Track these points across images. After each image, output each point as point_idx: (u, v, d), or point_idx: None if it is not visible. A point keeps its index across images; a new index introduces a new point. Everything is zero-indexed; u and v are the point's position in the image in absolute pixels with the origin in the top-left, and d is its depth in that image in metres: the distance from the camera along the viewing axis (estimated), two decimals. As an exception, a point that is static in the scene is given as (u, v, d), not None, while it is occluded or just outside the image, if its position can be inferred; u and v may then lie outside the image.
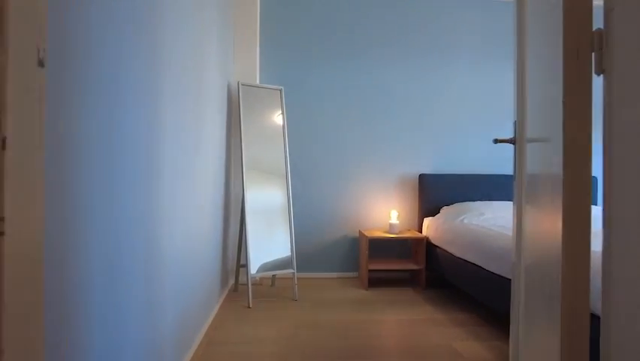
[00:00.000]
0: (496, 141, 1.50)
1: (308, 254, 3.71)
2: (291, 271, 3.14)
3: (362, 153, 3.73)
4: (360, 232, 3.61)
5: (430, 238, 3.37)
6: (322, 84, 3.71)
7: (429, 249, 3.38)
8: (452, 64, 3.80)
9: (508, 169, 3.83)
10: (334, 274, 3.73)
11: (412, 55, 3.77)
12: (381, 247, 3.73)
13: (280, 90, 3.36)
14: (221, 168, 2.95)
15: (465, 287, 2.75)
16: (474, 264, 2.61)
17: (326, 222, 3.72)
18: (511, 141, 1.47)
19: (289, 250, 3.21)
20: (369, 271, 3.38)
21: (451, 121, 3.80)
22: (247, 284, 2.93)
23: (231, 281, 3.37)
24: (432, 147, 3.79)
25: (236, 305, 2.94)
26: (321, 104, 3.70)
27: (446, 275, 3.08)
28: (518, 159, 1.40)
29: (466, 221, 3.07)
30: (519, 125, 1.39)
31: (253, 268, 3.01)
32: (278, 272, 3.14)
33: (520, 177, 1.38)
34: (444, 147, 3.80)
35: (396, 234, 3.47)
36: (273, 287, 3.41)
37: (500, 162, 3.85)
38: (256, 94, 3.29)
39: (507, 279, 2.24)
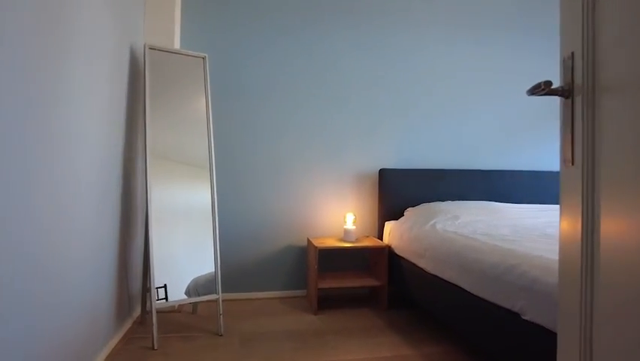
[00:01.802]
0: (533, 92, 0.82)
1: (242, 270, 2.96)
2: (215, 296, 2.38)
3: (310, 143, 3.03)
4: (308, 240, 2.91)
5: (394, 247, 2.73)
6: (262, 55, 2.97)
7: (392, 261, 2.74)
8: (424, 38, 3.19)
9: (482, 163, 3.29)
10: (276, 294, 3.00)
11: (372, 25, 3.12)
12: (334, 258, 3.05)
13: (203, 59, 2.58)
14: (117, 159, 2.13)
15: (439, 314, 2.12)
16: (454, 285, 1.99)
17: (265, 229, 2.98)
18: (564, 93, 0.80)
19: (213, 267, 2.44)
20: (319, 289, 2.69)
21: (417, 107, 3.19)
22: (151, 316, 2.14)
23: (138, 310, 2.55)
24: (394, 138, 3.16)
25: (136, 346, 2.13)
26: (258, 81, 2.96)
27: (414, 295, 2.45)
28: (583, 123, 0.74)
29: (439, 227, 2.45)
30: (585, 62, 0.73)
31: (165, 292, 2.23)
32: (195, 299, 2.36)
33: (586, 154, 0.72)
34: (408, 137, 3.18)
35: (353, 242, 2.80)
36: (194, 315, 2.62)
37: (473, 155, 3.29)
38: (171, 62, 2.49)
39: (505, 309, 1.62)
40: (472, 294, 1.84)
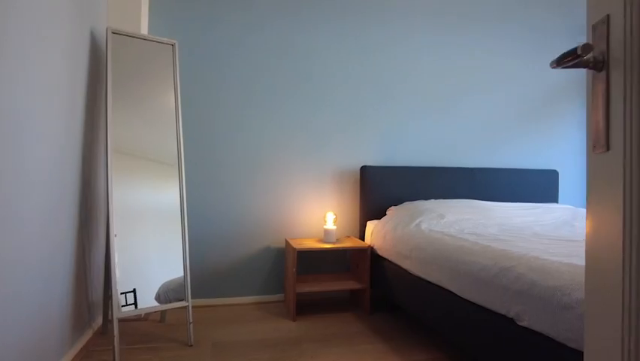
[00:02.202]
0: (559, 63, 0.68)
1: (215, 274, 2.77)
2: (184, 303, 2.19)
3: (288, 138, 2.87)
4: (286, 241, 2.74)
5: (377, 247, 2.60)
6: (238, 44, 2.78)
7: (375, 262, 2.61)
8: (408, 32, 3.07)
9: (465, 161, 3.19)
10: (252, 299, 2.83)
11: (355, 18, 2.98)
12: (313, 260, 2.89)
13: (173, 46, 2.38)
14: (74, 154, 1.92)
15: (427, 319, 1.99)
16: (442, 288, 1.86)
17: (240, 230, 2.80)
18: (596, 65, 0.66)
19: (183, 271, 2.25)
20: (298, 294, 2.53)
21: (400, 103, 3.07)
22: (113, 326, 1.93)
23: (100, 319, 2.33)
24: (377, 134, 3.03)
25: (95, 360, 1.92)
26: (234, 72, 2.78)
27: (398, 298, 2.32)
28: (625, 101, 0.60)
29: (424, 227, 2.32)
30: (628, 25, 0.59)
31: (135, 298, 2.03)
32: (163, 307, 2.16)
33: (630, 137, 0.58)
34: (391, 133, 3.06)
35: (333, 243, 2.65)
36: (163, 324, 2.42)
37: (456, 152, 3.20)
38: (137, 49, 2.28)
39: (499, 315, 1.50)
40: (462, 298, 1.72)
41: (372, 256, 2.62)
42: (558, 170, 3.43)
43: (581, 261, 1.41)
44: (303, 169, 2.89)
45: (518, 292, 1.42)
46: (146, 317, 2.47)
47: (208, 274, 2.75)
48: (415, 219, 2.43)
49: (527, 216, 2.64)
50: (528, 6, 3.36)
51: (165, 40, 2.36)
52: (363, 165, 2.95)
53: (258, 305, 2.76)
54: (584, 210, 2.91)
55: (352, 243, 2.70)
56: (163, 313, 2.44)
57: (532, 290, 1.37)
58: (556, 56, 3.11)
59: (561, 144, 3.49)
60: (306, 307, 2.73)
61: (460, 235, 2.01)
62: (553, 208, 2.86)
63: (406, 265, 2.20)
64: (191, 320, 2.14)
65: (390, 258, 2.41)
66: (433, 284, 1.94)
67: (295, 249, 2.48)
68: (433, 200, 2.82)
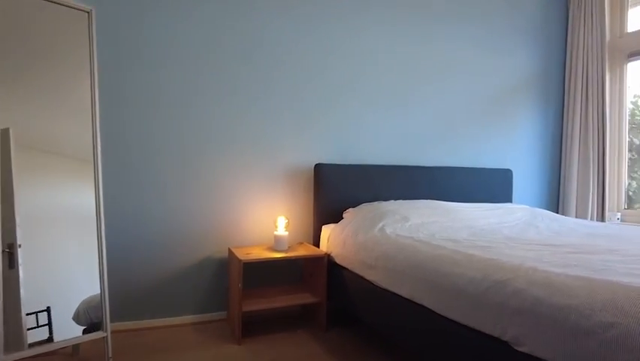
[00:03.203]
0: None
1: (143, 291, 2.32)
2: (101, 334, 1.74)
3: (231, 131, 2.49)
4: (230, 251, 2.36)
5: (334, 255, 2.30)
6: (171, 14, 2.35)
7: (332, 272, 2.31)
8: (364, 23, 2.81)
9: (423, 159, 3.01)
10: (189, 319, 2.41)
11: (308, 6, 2.66)
12: (262, 271, 2.54)
13: (88, 13, 1.91)
14: None
15: (394, 337, 1.73)
16: (415, 303, 1.60)
17: (172, 239, 2.37)
18: None
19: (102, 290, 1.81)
20: (245, 313, 2.16)
21: (358, 96, 2.80)
22: (-6, 377, 1.45)
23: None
24: (332, 129, 2.74)
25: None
26: (165, 48, 2.34)
27: (360, 313, 2.04)
28: None
29: (389, 231, 2.06)
30: None
31: (49, 317, 1.56)
32: (73, 340, 1.70)
33: None
34: (348, 129, 2.78)
35: (285, 252, 2.32)
36: (76, 356, 1.94)
37: (414, 150, 3.00)
38: (42, 16, 1.79)
39: (490, 337, 1.26)
40: (442, 316, 1.47)
41: (329, 265, 2.32)
42: (512, 169, 3.37)
43: (586, 272, 1.20)
44: (249, 167, 2.52)
45: (517, 311, 1.19)
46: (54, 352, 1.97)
47: (134, 292, 2.29)
48: (377, 223, 2.17)
49: (491, 218, 2.49)
50: (485, 3, 3.25)
51: (78, 5, 1.89)
52: (317, 162, 2.64)
53: (197, 326, 2.35)
54: (541, 210, 2.83)
55: (306, 250, 2.39)
56: (76, 345, 1.96)
57: (535, 309, 1.14)
58: (512, 55, 3.00)
59: (515, 143, 3.43)
60: (253, 325, 2.37)
61: (434, 242, 1.76)
62: (513, 209, 2.75)
63: (370, 275, 1.92)
64: (110, 355, 1.70)
65: (350, 267, 2.12)
66: (404, 298, 1.67)
67: (241, 260, 2.11)
68: (392, 201, 2.59)
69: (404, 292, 1.67)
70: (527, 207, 2.94)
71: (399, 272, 1.70)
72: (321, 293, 2.31)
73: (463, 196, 3.00)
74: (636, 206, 3.64)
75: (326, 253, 2.33)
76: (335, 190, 2.60)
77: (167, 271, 2.35)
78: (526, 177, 3.49)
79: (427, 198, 2.86)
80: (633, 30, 3.44)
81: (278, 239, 2.37)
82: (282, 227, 2.41)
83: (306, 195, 2.67)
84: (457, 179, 3.03)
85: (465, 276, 1.39)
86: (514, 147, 3.43)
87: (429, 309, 1.53)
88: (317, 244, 2.55)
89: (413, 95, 2.99)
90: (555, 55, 3.60)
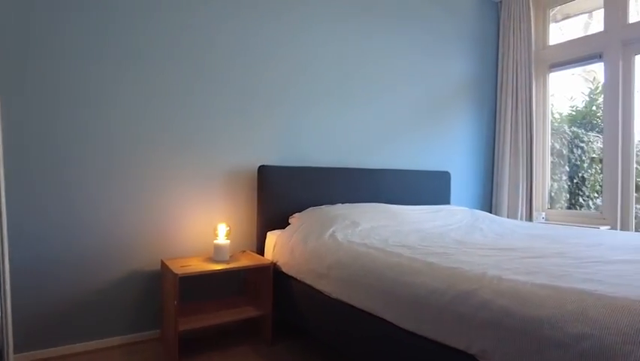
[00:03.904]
0: None
1: (61, 313, 1.99)
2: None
3: (163, 131, 2.24)
4: (163, 264, 2.11)
5: (281, 264, 2.15)
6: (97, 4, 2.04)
7: (278, 282, 2.16)
8: (310, 22, 2.68)
9: (366, 162, 2.96)
10: (116, 341, 2.12)
11: (252, 3, 2.48)
12: (201, 284, 2.31)
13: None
14: None
15: (350, 353, 1.62)
16: (371, 315, 1.51)
17: (96, 251, 2.07)
18: None
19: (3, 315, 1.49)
20: (182, 332, 1.94)
21: (302, 95, 2.68)
22: None
23: None
24: (276, 129, 2.58)
25: None
26: (82, 30, 2.03)
27: (310, 326, 1.91)
28: None
29: (340, 237, 1.96)
30: None
31: None
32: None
33: None
34: (292, 129, 2.65)
35: (226, 262, 2.13)
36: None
37: (358, 152, 2.94)
38: None
39: (455, 350, 1.20)
40: (401, 328, 1.39)
41: (275, 275, 2.16)
42: (450, 171, 3.45)
43: (549, 279, 1.18)
44: (185, 170, 2.29)
45: (484, 323, 1.14)
46: None
47: (48, 315, 1.96)
48: (327, 229, 2.06)
49: (436, 220, 2.50)
50: (426, 8, 3.29)
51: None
52: (261, 164, 2.48)
53: (126, 349, 2.07)
54: (479, 211, 2.92)
55: (250, 260, 2.21)
56: (-35, 386, 1.61)
57: (504, 321, 1.09)
58: (451, 60, 3.07)
59: (453, 146, 3.53)
60: (191, 343, 2.15)
61: (388, 248, 1.69)
62: (453, 210, 2.79)
63: (321, 285, 1.80)
64: (12, 398, 1.40)
65: (299, 277, 1.98)
66: (359, 310, 1.58)
67: (176, 274, 1.88)
68: (340, 205, 2.50)
69: (359, 303, 1.57)
70: (466, 208, 3.01)
71: (353, 282, 1.60)
72: (267, 305, 2.14)
73: (406, 198, 3.01)
74: (557, 206, 3.93)
75: (272, 262, 2.18)
76: (280, 194, 2.45)
77: (88, 289, 2.05)
78: (463, 179, 3.60)
79: (371, 201, 2.82)
80: (554, 43, 3.71)
81: (218, 249, 2.17)
82: (222, 235, 2.21)
83: (248, 199, 2.49)
84: (399, 181, 3.02)
85: (427, 286, 1.32)
86: (452, 149, 3.53)
87: (387, 321, 1.44)
88: (261, 252, 2.38)
89: (358, 97, 2.93)
90: (489, 62, 3.77)
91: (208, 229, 2.34)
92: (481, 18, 3.70)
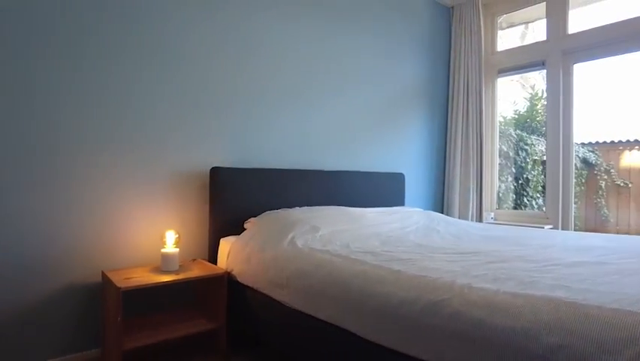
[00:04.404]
0: None
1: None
2: None
3: (104, 131, 2.02)
4: (104, 276, 1.91)
5: (236, 273, 2.01)
6: (14, -19, 1.79)
7: (234, 292, 2.02)
8: (267, 16, 2.56)
9: (323, 163, 2.90)
10: (46, 366, 1.88)
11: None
12: (148, 296, 2.12)
13: None
14: None
15: (314, 365, 1.54)
16: (336, 326, 1.43)
17: (24, 262, 1.82)
18: None
19: None
20: (126, 350, 1.75)
21: (258, 92, 2.55)
22: None
23: None
24: (229, 128, 2.44)
25: None
26: (12, 16, 1.78)
27: (269, 338, 1.80)
28: None
29: (300, 243, 1.86)
30: None
31: None
32: None
33: None
34: (246, 129, 2.51)
35: (176, 273, 1.96)
36: None
37: (315, 153, 2.86)
38: None
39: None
40: (367, 340, 1.32)
41: (230, 285, 2.03)
42: (404, 173, 3.47)
43: (519, 287, 1.16)
44: (130, 172, 2.08)
45: (455, 335, 1.09)
46: None
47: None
48: (286, 235, 1.95)
49: (393, 223, 2.48)
50: (383, 9, 3.28)
51: None
52: (213, 166, 2.32)
53: (57, 374, 1.85)
54: (433, 213, 2.94)
55: (202, 269, 2.05)
56: None
57: (477, 332, 1.05)
58: (406, 63, 3.09)
59: (407, 147, 3.55)
60: (138, 357, 1.96)
61: (352, 256, 1.62)
62: (409, 212, 2.80)
63: (281, 295, 1.70)
64: None
65: (256, 286, 1.86)
66: (323, 321, 1.49)
67: (119, 288, 1.69)
68: (297, 208, 2.41)
69: (323, 314, 1.49)
70: (421, 209, 3.03)
71: (317, 293, 1.52)
72: (221, 317, 2.00)
73: (362, 200, 2.97)
74: (504, 206, 4.10)
75: (226, 271, 2.04)
76: (234, 197, 2.32)
77: (19, 306, 1.79)
78: (416, 181, 3.64)
79: (329, 203, 2.75)
80: (502, 49, 3.85)
81: (166, 258, 1.99)
82: (171, 243, 2.04)
83: (200, 203, 2.32)
84: (356, 183, 2.98)
85: (395, 296, 1.27)
86: (406, 151, 3.55)
87: (353, 333, 1.37)
88: (214, 260, 2.23)
89: (315, 98, 2.85)
90: (441, 66, 3.84)
91: (155, 237, 2.15)
92: (434, 22, 3.76)
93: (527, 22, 4.23)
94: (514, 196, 4.21)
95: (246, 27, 2.49)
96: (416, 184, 3.64)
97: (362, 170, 3.15)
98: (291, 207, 2.46)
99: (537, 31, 4.42)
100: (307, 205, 2.59)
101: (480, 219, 3.64)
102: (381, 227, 2.31)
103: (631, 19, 3.02)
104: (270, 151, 2.62)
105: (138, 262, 2.11)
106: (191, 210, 2.29)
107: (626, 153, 4.86)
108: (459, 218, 3.63)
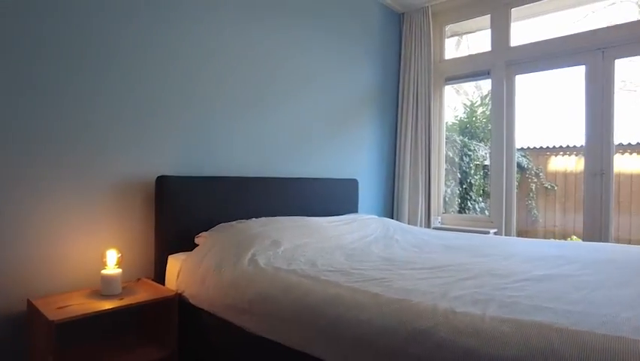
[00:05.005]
0: None
1: None
2: None
3: (33, 136, 1.74)
4: (30, 305, 1.64)
5: (189, 295, 1.83)
6: None
7: (186, 316, 1.83)
8: (218, 16, 2.36)
9: (279, 170, 2.77)
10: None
11: (140, -38, 2.08)
12: (87, 324, 1.86)
13: None
14: None
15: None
16: (310, 356, 1.32)
17: None
18: None
19: None
20: (58, 394, 1.51)
21: (207, 95, 2.36)
22: None
23: None
24: (177, 134, 2.23)
25: None
26: None
27: (228, 366, 1.65)
28: None
29: (263, 262, 1.72)
30: None
31: None
32: None
33: None
34: (195, 134, 2.32)
35: (119, 297, 1.74)
36: None
37: (269, 160, 2.73)
38: None
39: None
40: (344, 369, 1.23)
41: (181, 307, 1.84)
42: (357, 178, 3.44)
43: (502, 311, 1.13)
44: (64, 184, 1.81)
45: (443, 365, 1.04)
46: None
47: None
48: (246, 251, 1.81)
49: (353, 233, 2.42)
50: (337, 13, 3.21)
51: None
52: (160, 174, 2.10)
53: None
54: (387, 220, 2.93)
55: (149, 291, 1.84)
56: None
57: (467, 363, 1.00)
58: (358, 69, 3.03)
59: (359, 153, 3.52)
60: (69, 404, 1.70)
61: (322, 276, 1.52)
62: (365, 221, 2.76)
63: (243, 321, 1.55)
64: None
65: (213, 310, 1.70)
66: (292, 350, 1.38)
67: (52, 322, 1.45)
68: (254, 220, 2.26)
69: (292, 342, 1.38)
70: (375, 216, 3.02)
71: (286, 319, 1.40)
72: (172, 344, 1.81)
73: (318, 207, 2.89)
74: (450, 210, 4.22)
75: (176, 293, 1.84)
76: (183, 209, 2.12)
77: None
78: (369, 186, 3.63)
79: (285, 212, 2.64)
80: (449, 58, 3.96)
81: (107, 281, 1.76)
82: (112, 263, 1.81)
83: (144, 217, 2.09)
84: (311, 190, 2.89)
85: (374, 323, 1.19)
86: (359, 157, 3.52)
87: (327, 363, 1.27)
88: (161, 279, 2.02)
89: (269, 102, 2.71)
90: (391, 72, 3.85)
91: (94, 256, 1.89)
92: (386, 28, 3.77)
93: (467, 33, 4.40)
94: (459, 200, 4.36)
95: (197, 28, 2.29)
96: (368, 190, 3.62)
97: (317, 176, 3.06)
98: (246, 219, 2.31)
99: (471, 42, 4.63)
100: (263, 215, 2.45)
101: (428, 223, 3.71)
102: (342, 238, 2.24)
103: (567, 36, 3.22)
104: (223, 158, 2.44)
105: (74, 286, 1.84)
106: (135, 224, 2.06)
107: (553, 157, 5.26)
108: (409, 222, 3.67)
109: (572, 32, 3.22)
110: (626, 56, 3.06)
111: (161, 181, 2.06)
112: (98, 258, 1.86)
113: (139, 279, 2.03)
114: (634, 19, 3.00)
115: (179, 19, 2.21)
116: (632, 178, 4.42)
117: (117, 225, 1.99)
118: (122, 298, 1.72)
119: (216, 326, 1.69)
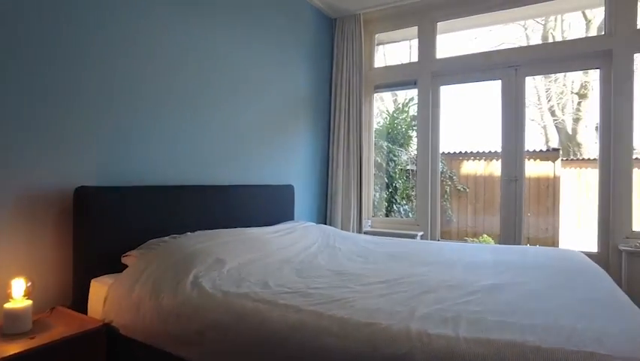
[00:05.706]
0: None
1: None
2: None
3: None
4: None
5: (119, 325, 1.59)
6: None
7: (116, 348, 1.60)
8: (153, 14, 2.10)
9: (218, 178, 2.59)
10: None
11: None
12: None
13: None
14: None
15: None
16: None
17: None
18: None
19: None
20: None
21: (134, 96, 2.10)
22: None
23: None
24: (102, 139, 1.94)
25: None
26: None
27: (169, 403, 1.47)
28: None
29: (209, 286, 1.56)
30: None
31: None
32: None
33: None
34: (122, 139, 2.04)
35: (29, 336, 1.45)
36: None
37: (207, 166, 2.53)
38: None
39: None
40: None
41: (110, 340, 1.60)
42: (292, 184, 3.37)
43: (471, 330, 1.14)
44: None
45: (422, 392, 1.01)
46: None
47: None
48: (186, 273, 1.63)
49: (295, 243, 2.35)
50: (272, 16, 3.09)
51: None
52: (79, 185, 1.81)
53: None
54: (326, 227, 2.91)
55: (68, 324, 1.57)
56: None
57: (446, 389, 0.99)
58: (294, 75, 2.97)
59: (294, 159, 3.45)
60: None
61: (280, 300, 1.40)
62: (304, 229, 2.70)
63: (190, 353, 1.39)
64: None
65: (151, 342, 1.50)
66: (248, 381, 1.26)
67: (-59, 377, 1.15)
68: (190, 234, 2.06)
69: (249, 373, 1.26)
70: (313, 224, 2.97)
71: (242, 351, 1.27)
72: (97, 383, 1.56)
73: (255, 215, 2.76)
74: (379, 213, 4.34)
75: (103, 323, 1.60)
76: (108, 224, 1.85)
77: None
78: (303, 192, 3.57)
79: (221, 221, 2.46)
80: (378, 66, 4.06)
81: (12, 317, 1.46)
82: (19, 294, 1.51)
83: (60, 235, 1.79)
84: (248, 197, 2.75)
85: (348, 351, 1.12)
86: (294, 162, 3.45)
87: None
88: (82, 307, 1.74)
89: (202, 106, 2.51)
90: (324, 78, 3.83)
91: (-8, 286, 1.57)
92: (319, 32, 3.74)
93: (390, 43, 4.56)
94: (386, 204, 4.51)
95: (116, 22, 2.02)
96: (303, 195, 3.57)
97: (254, 183, 2.92)
98: (179, 233, 2.10)
99: (388, 52, 4.81)
100: (198, 226, 2.26)
101: (360, 227, 3.77)
102: (287, 251, 2.15)
103: (486, 52, 3.48)
104: (153, 165, 2.20)
105: (-36, 325, 1.50)
106: (48, 245, 1.75)
107: (465, 162, 5.71)
108: (342, 226, 3.69)
109: (491, 49, 3.49)
110: (535, 75, 3.40)
111: (81, 193, 1.78)
112: (1, 289, 1.54)
113: (53, 308, 1.72)
114: (540, 41, 3.35)
115: (91, 10, 1.93)
116: (537, 181, 4.98)
117: (25, 247, 1.67)
118: (32, 337, 1.44)
119: (153, 359, 1.49)
